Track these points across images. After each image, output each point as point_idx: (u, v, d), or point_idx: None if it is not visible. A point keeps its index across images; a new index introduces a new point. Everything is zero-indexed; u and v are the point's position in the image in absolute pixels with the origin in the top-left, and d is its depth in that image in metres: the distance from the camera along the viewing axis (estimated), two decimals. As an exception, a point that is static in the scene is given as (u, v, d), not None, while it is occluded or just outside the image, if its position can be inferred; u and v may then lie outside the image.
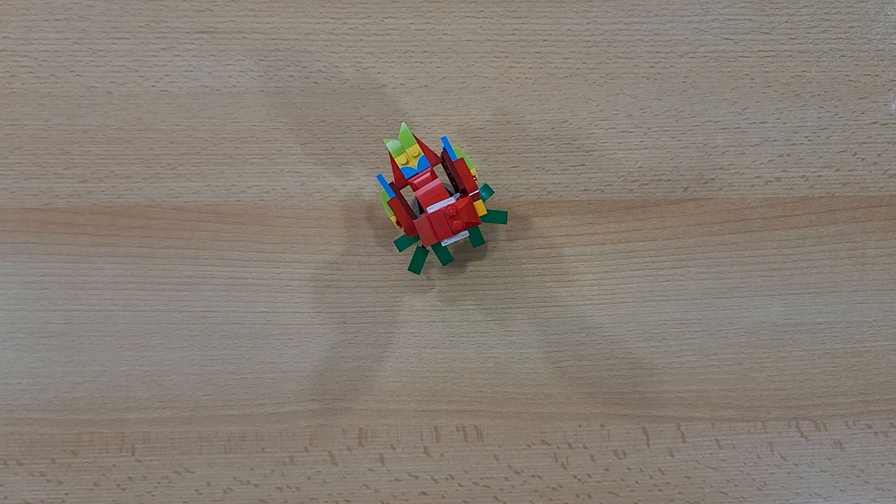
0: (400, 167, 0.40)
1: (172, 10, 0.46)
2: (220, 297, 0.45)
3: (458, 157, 0.39)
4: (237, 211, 0.46)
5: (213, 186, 0.46)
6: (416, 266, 0.42)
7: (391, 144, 0.39)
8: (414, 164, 0.40)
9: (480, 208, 0.40)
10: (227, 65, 0.46)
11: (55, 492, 0.45)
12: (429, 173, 0.39)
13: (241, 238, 0.46)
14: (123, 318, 0.45)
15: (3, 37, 0.46)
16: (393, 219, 0.40)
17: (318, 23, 0.46)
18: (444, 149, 0.39)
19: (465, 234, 0.40)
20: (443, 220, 0.38)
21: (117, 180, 0.46)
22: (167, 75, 0.46)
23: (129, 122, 0.46)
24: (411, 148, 0.39)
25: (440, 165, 0.42)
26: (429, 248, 0.42)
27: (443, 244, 0.41)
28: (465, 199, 0.38)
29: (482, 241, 0.42)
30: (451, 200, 0.39)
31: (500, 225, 0.46)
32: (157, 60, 0.46)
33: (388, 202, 0.40)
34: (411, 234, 0.40)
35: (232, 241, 0.45)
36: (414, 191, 0.39)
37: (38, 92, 0.46)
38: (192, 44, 0.46)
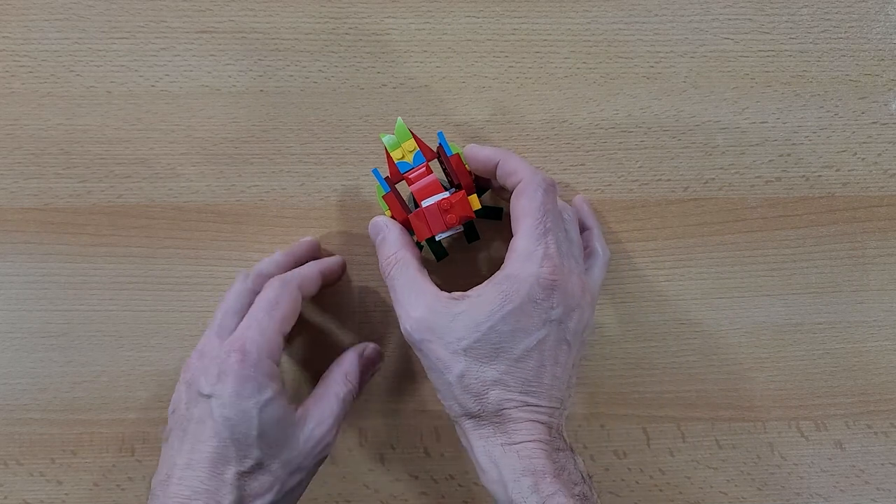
0: (395, 162, 0.39)
1: (172, 10, 0.46)
2: (220, 297, 0.45)
3: (454, 153, 0.39)
4: (237, 211, 0.46)
5: (213, 186, 0.46)
6: None
7: (387, 139, 0.39)
8: (410, 158, 0.40)
9: (475, 203, 0.39)
10: (227, 65, 0.46)
11: (55, 492, 0.45)
12: (424, 168, 0.39)
13: (241, 238, 0.45)
14: (123, 318, 0.45)
15: (3, 37, 0.46)
16: (388, 213, 0.40)
17: (318, 23, 0.46)
18: (440, 144, 0.39)
19: (460, 228, 0.39)
20: (437, 214, 0.38)
21: (117, 180, 0.45)
22: (167, 75, 0.46)
23: (129, 122, 0.46)
24: (407, 143, 0.39)
25: (436, 161, 0.42)
26: (423, 243, 0.42)
27: (437, 238, 0.41)
28: (460, 194, 0.38)
29: (477, 238, 0.42)
30: (446, 195, 0.39)
31: (499, 223, 0.46)
32: (157, 60, 0.46)
33: (382, 196, 0.40)
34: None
35: (232, 241, 0.45)
36: (409, 185, 0.39)
37: (38, 92, 0.46)
38: (192, 44, 0.46)
